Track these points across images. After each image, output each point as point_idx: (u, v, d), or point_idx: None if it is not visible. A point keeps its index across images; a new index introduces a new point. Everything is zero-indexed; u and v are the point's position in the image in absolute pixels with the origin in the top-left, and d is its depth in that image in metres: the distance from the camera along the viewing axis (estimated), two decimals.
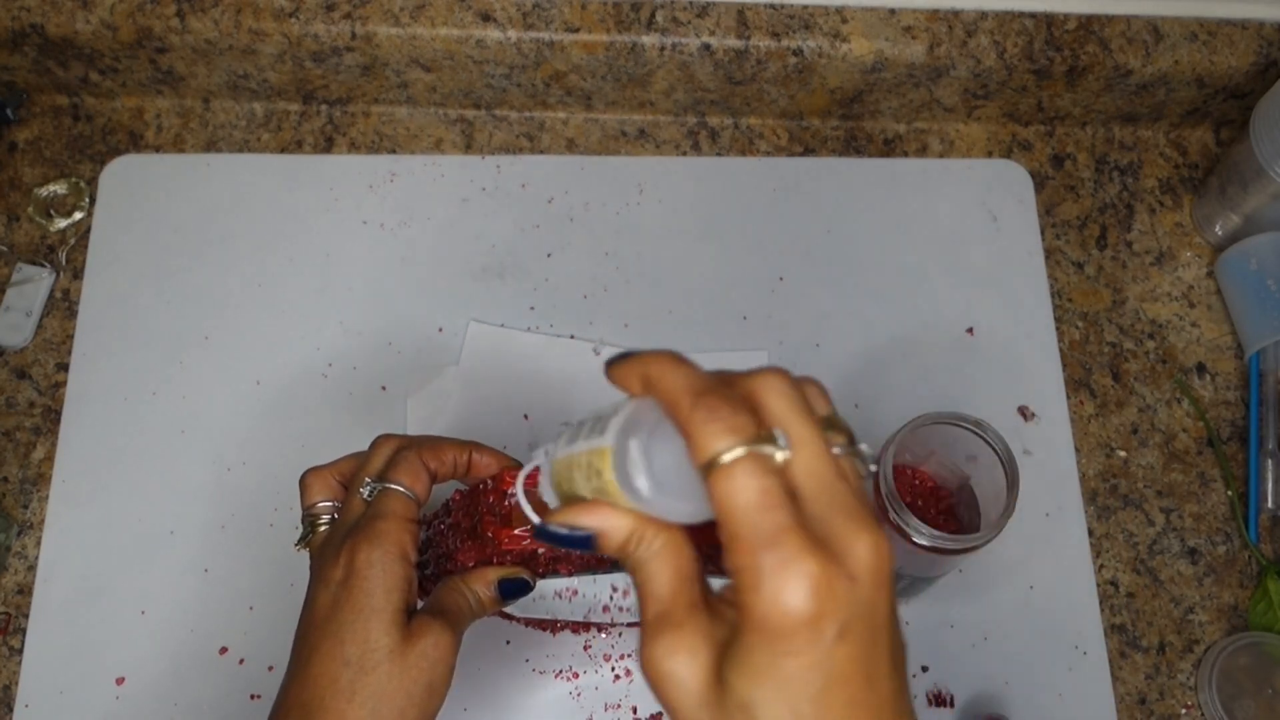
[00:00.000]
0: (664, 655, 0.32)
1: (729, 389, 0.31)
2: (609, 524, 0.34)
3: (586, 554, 0.43)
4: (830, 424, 0.32)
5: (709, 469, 0.30)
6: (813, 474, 0.31)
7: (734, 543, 0.30)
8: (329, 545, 0.46)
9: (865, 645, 0.30)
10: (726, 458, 0.30)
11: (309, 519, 0.49)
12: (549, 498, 0.37)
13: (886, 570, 0.31)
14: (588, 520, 0.34)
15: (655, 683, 0.32)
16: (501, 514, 0.47)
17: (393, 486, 0.46)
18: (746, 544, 0.29)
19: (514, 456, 0.51)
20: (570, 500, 0.35)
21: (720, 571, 0.49)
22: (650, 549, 0.33)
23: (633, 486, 0.32)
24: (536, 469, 0.38)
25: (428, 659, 0.43)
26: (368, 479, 0.47)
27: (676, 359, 0.33)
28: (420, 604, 0.47)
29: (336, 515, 0.49)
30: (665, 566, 0.33)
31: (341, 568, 0.44)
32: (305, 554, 0.49)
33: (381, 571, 0.44)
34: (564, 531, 0.34)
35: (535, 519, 0.37)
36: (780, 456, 0.30)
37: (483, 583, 0.47)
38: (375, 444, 0.50)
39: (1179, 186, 0.77)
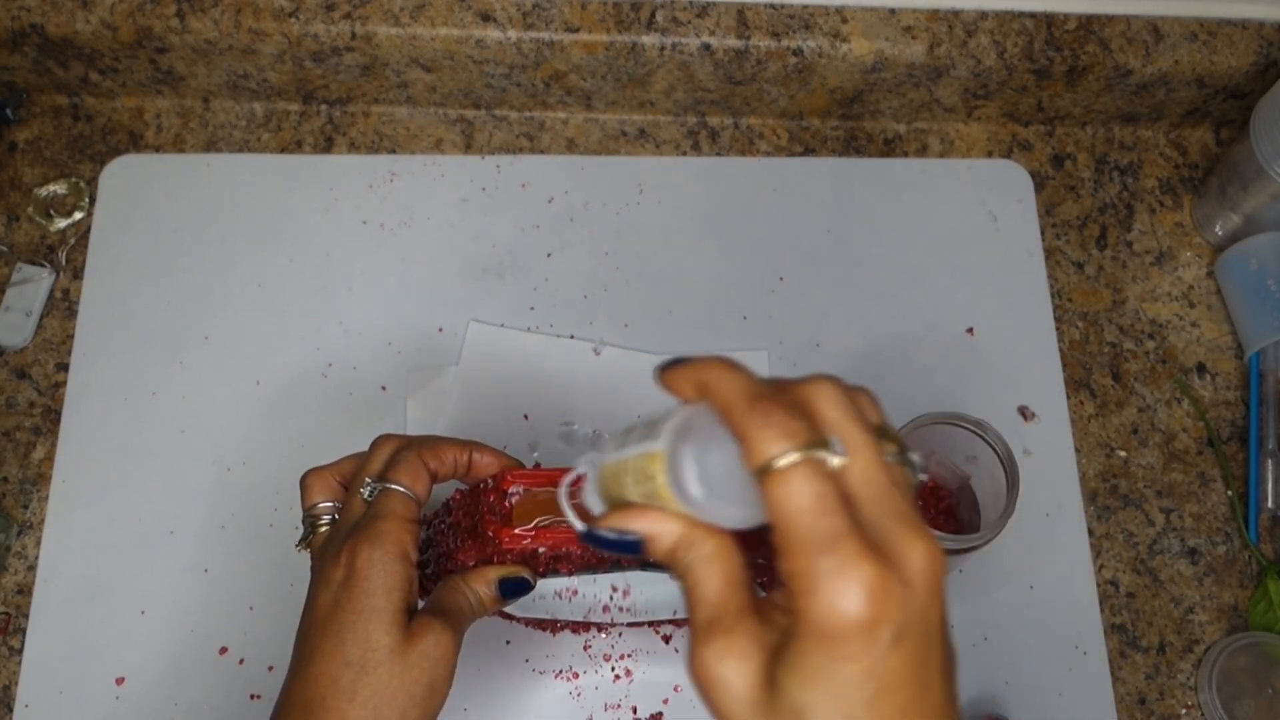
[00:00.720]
0: (715, 660, 0.32)
1: (783, 395, 0.32)
2: (659, 528, 0.34)
3: (632, 558, 0.44)
4: (882, 432, 0.32)
5: (764, 473, 0.30)
6: (867, 480, 0.31)
7: (789, 546, 0.30)
8: (330, 545, 0.46)
9: (919, 652, 0.30)
10: (782, 462, 0.30)
11: (309, 519, 0.49)
12: (594, 503, 0.38)
13: (940, 578, 0.31)
14: (638, 524, 0.34)
15: (705, 687, 0.32)
16: (502, 513, 0.47)
17: (393, 486, 0.46)
18: (802, 548, 0.29)
19: (514, 456, 0.51)
20: (618, 505, 0.35)
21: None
22: (700, 554, 0.33)
23: (685, 491, 0.32)
24: (580, 476, 0.38)
25: (429, 658, 0.44)
26: (368, 479, 0.47)
27: (730, 364, 0.33)
28: (421, 604, 0.47)
29: (337, 516, 0.49)
30: (715, 571, 0.33)
31: (342, 568, 0.44)
32: (306, 554, 0.49)
33: (382, 571, 0.44)
34: (612, 536, 0.35)
35: (579, 525, 0.37)
36: (836, 462, 0.30)
37: (483, 582, 0.47)
38: (375, 444, 0.50)
39: (1179, 186, 0.77)
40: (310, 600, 0.45)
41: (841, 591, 0.29)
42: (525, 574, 0.48)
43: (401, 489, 0.46)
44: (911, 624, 0.30)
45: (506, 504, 0.47)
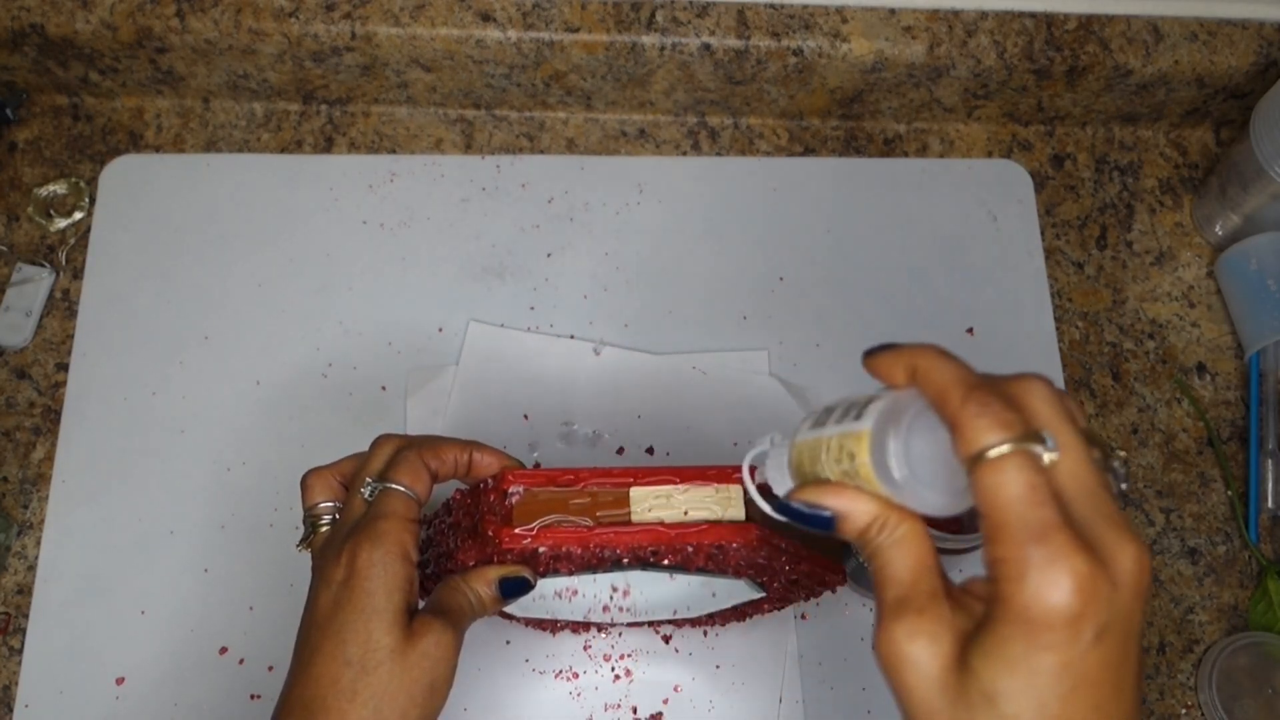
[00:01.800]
0: (904, 638, 0.32)
1: (996, 387, 0.32)
2: (856, 507, 0.34)
3: (823, 534, 0.44)
4: (1090, 436, 0.33)
5: (977, 461, 0.30)
6: (1078, 479, 0.31)
7: (1000, 534, 0.30)
8: (330, 545, 0.46)
9: (1119, 652, 0.30)
10: (995, 452, 0.30)
11: (310, 519, 0.49)
12: (782, 479, 0.39)
13: (1147, 583, 0.31)
14: (834, 501, 0.35)
15: (892, 665, 0.33)
16: (502, 513, 0.47)
17: (394, 486, 0.46)
18: (1013, 536, 0.30)
19: (514, 456, 0.51)
20: (813, 481, 0.36)
21: (763, 582, 0.50)
22: (893, 535, 0.34)
23: (888, 472, 0.33)
24: (763, 452, 0.39)
25: (429, 658, 0.44)
26: (369, 479, 0.47)
27: (945, 353, 0.33)
28: (421, 603, 0.47)
29: (338, 515, 0.49)
30: (909, 553, 0.34)
31: (343, 568, 0.44)
32: (306, 554, 0.49)
33: (383, 571, 0.44)
34: (805, 509, 0.35)
35: (762, 501, 0.38)
36: (1048, 457, 0.31)
37: (483, 582, 0.47)
38: (376, 444, 0.50)
39: (1179, 186, 0.77)
40: (311, 600, 0.45)
41: (1052, 581, 0.29)
42: (525, 574, 0.48)
43: (402, 489, 0.46)
44: (1115, 623, 0.30)
45: (507, 504, 0.47)
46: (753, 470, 0.41)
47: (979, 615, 0.32)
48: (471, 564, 0.48)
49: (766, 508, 0.38)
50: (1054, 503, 0.30)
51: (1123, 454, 0.35)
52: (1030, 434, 0.31)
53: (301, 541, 0.49)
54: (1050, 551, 0.29)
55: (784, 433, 0.40)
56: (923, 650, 0.32)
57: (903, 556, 0.34)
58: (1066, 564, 0.29)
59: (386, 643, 0.43)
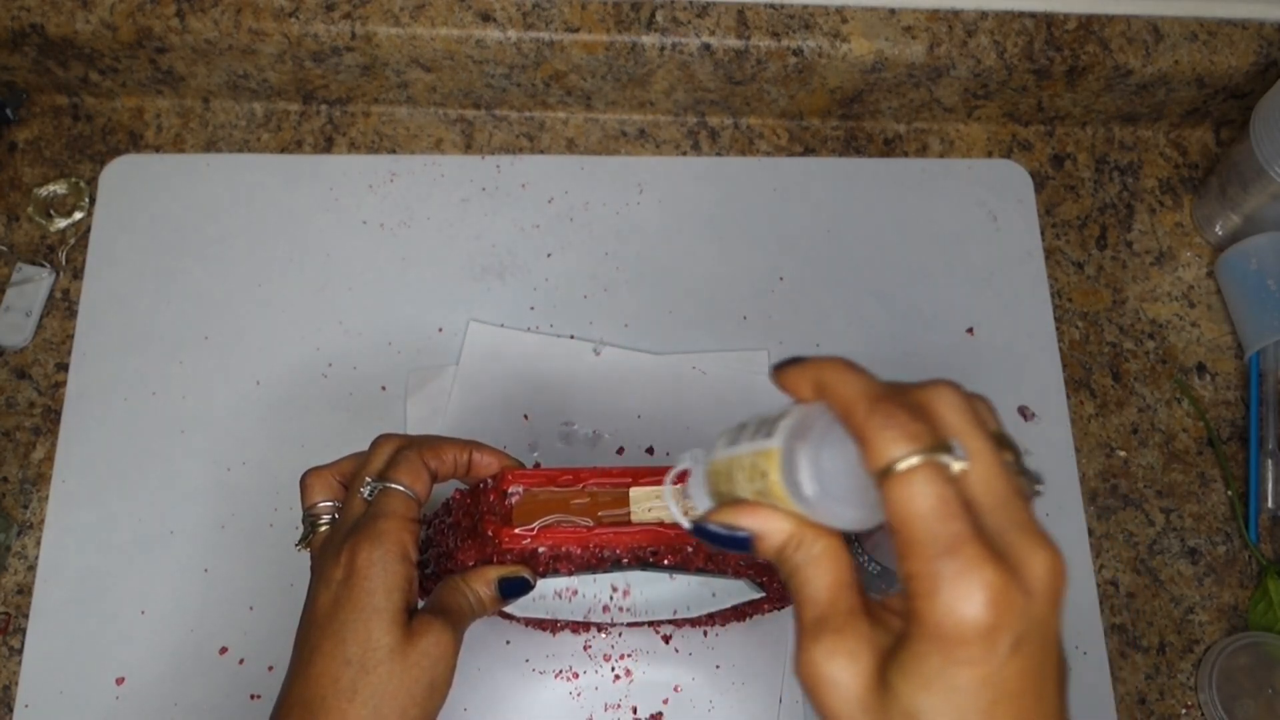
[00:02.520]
0: (823, 658, 0.32)
1: (903, 397, 0.31)
2: (770, 526, 0.34)
3: (740, 555, 0.44)
4: (1000, 440, 0.32)
5: (885, 475, 0.30)
6: (988, 487, 0.31)
7: (910, 549, 0.30)
8: (330, 545, 0.46)
9: (1037, 662, 0.30)
10: (903, 465, 0.30)
11: (310, 519, 0.49)
12: (701, 499, 0.38)
13: (1061, 589, 0.31)
14: (748, 521, 0.34)
15: (812, 686, 0.32)
16: (502, 513, 0.47)
17: (393, 486, 0.46)
18: (923, 550, 0.29)
19: (514, 456, 0.51)
20: (728, 501, 0.36)
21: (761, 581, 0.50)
22: (809, 553, 0.33)
23: (799, 489, 0.33)
24: (685, 471, 0.39)
25: (429, 657, 0.44)
26: (368, 478, 0.47)
27: (850, 365, 0.33)
28: (421, 603, 0.47)
29: (337, 515, 0.49)
30: (825, 571, 0.33)
31: (342, 567, 0.44)
32: (306, 554, 0.49)
33: (382, 571, 0.44)
34: (722, 531, 0.35)
35: (683, 520, 0.38)
36: (957, 467, 0.30)
37: (483, 582, 0.47)
38: (376, 444, 0.50)
39: (1179, 186, 0.77)
40: (310, 599, 0.45)
41: (964, 595, 0.29)
42: (525, 574, 0.48)
43: (402, 488, 0.46)
44: (1031, 633, 0.29)
45: (507, 504, 0.47)
46: (682, 477, 0.40)
47: (898, 631, 0.31)
48: (471, 564, 0.48)
49: (687, 526, 0.38)
50: (964, 514, 0.30)
51: (1031, 453, 0.34)
52: (938, 444, 0.30)
53: (301, 541, 0.49)
54: (961, 564, 0.29)
55: (705, 449, 0.39)
56: (842, 670, 0.32)
57: (820, 575, 0.33)
58: (978, 576, 0.29)
59: (386, 642, 0.43)
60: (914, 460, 0.30)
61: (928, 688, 0.30)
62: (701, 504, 0.38)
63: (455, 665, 0.45)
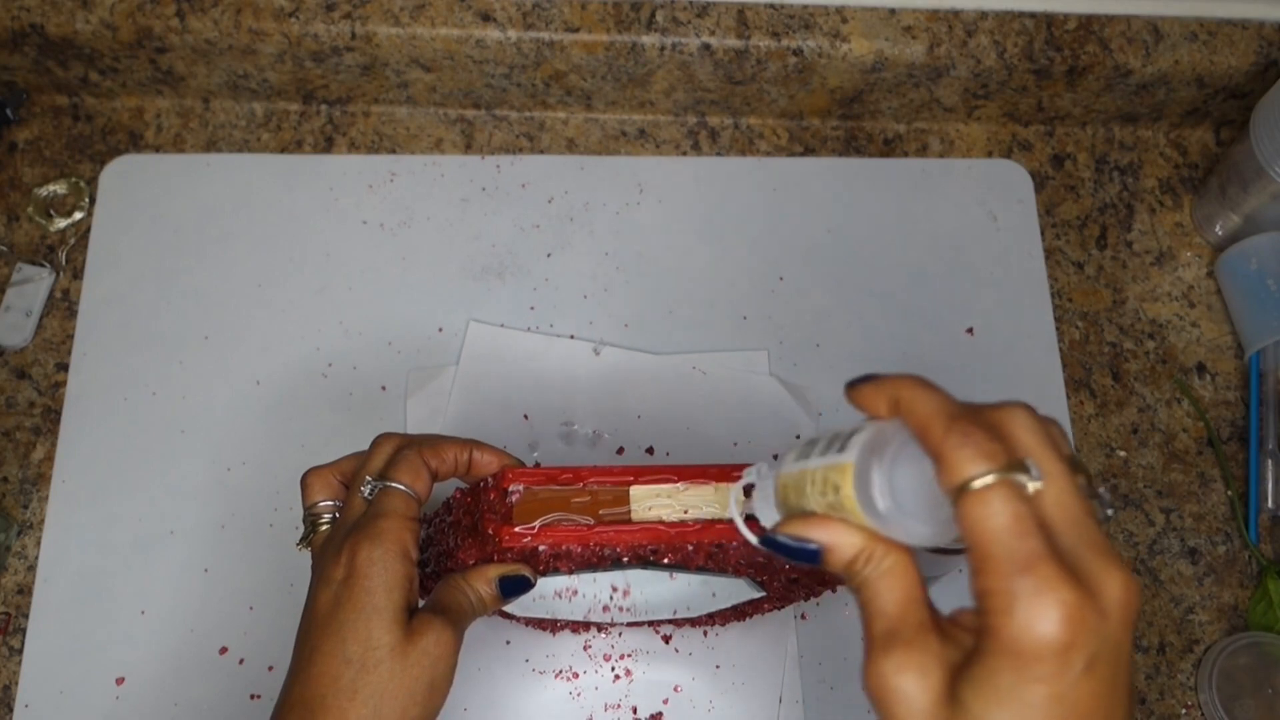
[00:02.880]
0: (893, 671, 0.32)
1: (979, 417, 0.32)
2: (841, 540, 0.34)
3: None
4: (1074, 464, 0.32)
5: (961, 492, 0.30)
6: (1063, 507, 0.31)
7: (986, 565, 0.30)
8: (330, 544, 0.46)
9: (1108, 683, 0.30)
10: (979, 483, 0.30)
11: (310, 518, 0.49)
12: (768, 512, 0.39)
13: (1136, 611, 0.31)
14: (820, 534, 0.35)
15: (880, 699, 0.32)
16: (502, 511, 0.47)
17: (394, 485, 0.46)
18: (1000, 567, 0.30)
19: (514, 455, 0.51)
20: (798, 514, 0.36)
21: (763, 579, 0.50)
22: (879, 568, 0.34)
23: (873, 504, 0.33)
24: (751, 484, 0.39)
25: (429, 656, 0.44)
26: (369, 477, 0.47)
27: (926, 383, 0.33)
28: (421, 602, 0.47)
29: (338, 514, 0.49)
30: (895, 585, 0.34)
31: (343, 566, 0.44)
32: (306, 553, 0.49)
33: (383, 570, 0.44)
34: (791, 543, 0.35)
35: (749, 535, 0.38)
36: (1033, 487, 0.31)
37: (483, 580, 0.47)
38: (376, 443, 0.50)
39: (1179, 186, 0.77)
40: (311, 599, 0.45)
41: (1040, 613, 0.29)
42: (525, 572, 0.48)
43: (402, 487, 0.46)
44: (1105, 653, 0.30)
45: (507, 502, 0.47)
46: (748, 490, 0.41)
47: (968, 647, 0.32)
48: (472, 562, 0.48)
49: (754, 540, 0.38)
50: (1039, 532, 0.30)
51: (1110, 483, 0.35)
52: (1014, 463, 0.31)
53: (301, 540, 0.49)
54: (1037, 582, 0.29)
55: (769, 463, 0.40)
56: (912, 684, 0.32)
57: (890, 589, 0.34)
58: (1054, 595, 0.29)
59: (386, 641, 0.43)
60: (990, 479, 0.30)
61: (1000, 703, 0.30)
62: (768, 517, 0.39)
63: (456, 664, 0.45)
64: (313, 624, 0.44)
